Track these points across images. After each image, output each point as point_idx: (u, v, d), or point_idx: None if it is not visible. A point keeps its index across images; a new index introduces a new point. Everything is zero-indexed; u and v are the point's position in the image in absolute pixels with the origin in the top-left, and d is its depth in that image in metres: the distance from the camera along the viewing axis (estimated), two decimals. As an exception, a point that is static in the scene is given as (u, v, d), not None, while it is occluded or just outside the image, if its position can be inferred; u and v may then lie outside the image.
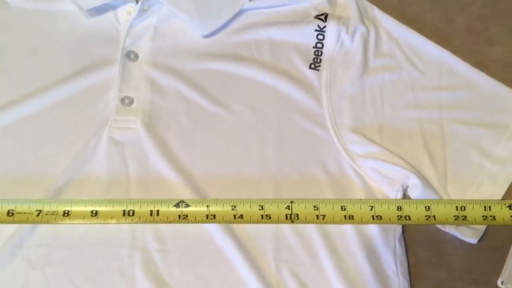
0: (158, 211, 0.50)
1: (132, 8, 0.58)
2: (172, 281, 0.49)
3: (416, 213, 0.50)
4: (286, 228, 0.51)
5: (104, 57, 0.58)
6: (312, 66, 0.58)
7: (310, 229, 0.51)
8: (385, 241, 0.51)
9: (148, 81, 0.57)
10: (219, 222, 0.50)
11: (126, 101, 0.56)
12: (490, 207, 0.50)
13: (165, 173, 0.53)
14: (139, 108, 0.56)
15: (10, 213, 0.49)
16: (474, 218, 0.49)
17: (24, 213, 0.49)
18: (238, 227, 0.51)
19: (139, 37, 0.58)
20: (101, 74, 0.57)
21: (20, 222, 0.49)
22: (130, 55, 0.57)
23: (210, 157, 0.54)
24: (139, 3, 0.57)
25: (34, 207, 0.49)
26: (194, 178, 0.53)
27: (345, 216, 0.50)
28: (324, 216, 0.50)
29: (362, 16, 0.59)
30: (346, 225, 0.51)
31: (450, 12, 0.63)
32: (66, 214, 0.49)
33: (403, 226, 0.53)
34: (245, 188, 0.53)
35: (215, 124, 0.56)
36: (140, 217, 0.50)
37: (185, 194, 0.52)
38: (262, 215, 0.50)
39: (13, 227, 0.50)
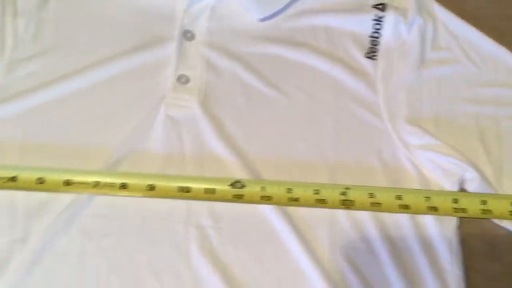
0: (214, 189, 0.50)
1: (189, -13, 0.58)
2: (226, 259, 0.49)
3: (472, 206, 0.50)
4: (341, 214, 0.51)
5: (160, 35, 0.58)
6: (368, 55, 0.58)
7: (365, 217, 0.51)
8: (441, 233, 0.51)
9: (204, 61, 0.57)
10: (274, 204, 0.50)
11: (183, 80, 0.55)
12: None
13: (220, 152, 0.53)
14: (195, 87, 0.55)
15: (67, 183, 0.49)
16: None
17: (82, 183, 0.49)
18: (292, 210, 0.51)
19: (196, 17, 0.58)
20: (157, 51, 0.57)
21: (77, 192, 0.49)
22: (187, 34, 0.57)
23: (265, 139, 0.54)
24: None
25: (91, 178, 0.49)
26: (249, 159, 0.53)
27: (400, 205, 0.50)
28: (379, 204, 0.50)
29: (421, 9, 0.58)
30: (401, 214, 0.51)
31: (508, 10, 0.62)
32: (123, 186, 0.49)
33: (459, 219, 0.52)
34: (299, 172, 0.53)
35: (271, 107, 0.55)
36: (195, 194, 0.49)
37: (240, 174, 0.52)
38: (317, 199, 0.50)
39: (70, 196, 0.50)
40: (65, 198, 0.51)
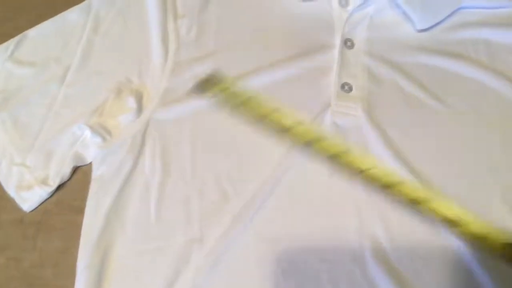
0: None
1: (346, -4, 0.58)
2: (402, 268, 0.49)
3: None
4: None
5: (321, 42, 0.58)
6: (532, 70, 0.57)
7: None
8: None
9: (365, 69, 0.57)
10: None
11: (346, 88, 0.56)
12: None
13: (386, 161, 0.53)
14: (358, 95, 0.55)
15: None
16: None
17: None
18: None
19: (355, 26, 0.58)
20: (319, 59, 0.57)
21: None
22: (347, 43, 0.57)
23: (430, 150, 0.54)
24: None
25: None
26: (415, 169, 0.52)
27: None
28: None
29: None
30: None
31: None
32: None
33: None
34: (468, 187, 0.52)
35: (434, 118, 0.55)
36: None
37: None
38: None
39: (243, 201, 0.51)
40: (238, 203, 0.50)
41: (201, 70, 0.57)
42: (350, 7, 0.59)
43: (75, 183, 0.53)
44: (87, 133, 0.53)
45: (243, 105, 0.53)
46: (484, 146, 0.54)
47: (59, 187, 0.53)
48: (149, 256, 0.49)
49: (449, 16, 0.59)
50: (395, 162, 0.53)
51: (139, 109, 0.54)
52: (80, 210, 0.50)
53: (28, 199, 0.53)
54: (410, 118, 0.55)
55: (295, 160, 0.53)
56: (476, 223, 0.49)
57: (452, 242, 0.50)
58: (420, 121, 0.55)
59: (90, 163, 0.53)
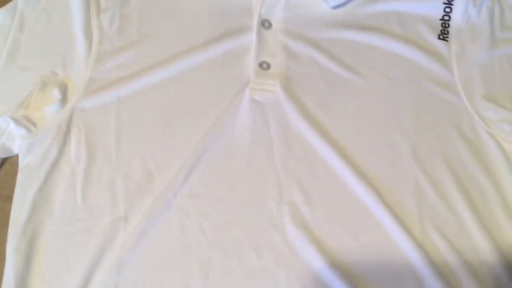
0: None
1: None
2: (321, 233, 0.51)
3: None
4: (428, 188, 0.53)
5: (239, 25, 0.60)
6: (441, 37, 0.60)
7: (451, 189, 0.53)
8: None
9: (283, 47, 0.59)
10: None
11: (264, 66, 0.58)
12: None
13: (306, 132, 0.55)
14: (277, 72, 0.58)
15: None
16: None
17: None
18: (381, 186, 0.53)
19: (272, 7, 0.61)
20: (237, 40, 0.60)
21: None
22: (265, 24, 0.60)
23: (347, 119, 0.56)
24: None
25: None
26: (333, 138, 0.55)
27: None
28: None
29: (487, -8, 0.61)
30: (487, 185, 0.53)
31: None
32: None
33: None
34: (381, 149, 0.54)
35: (350, 89, 0.58)
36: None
37: (325, 152, 0.54)
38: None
39: (166, 179, 0.52)
40: (162, 181, 0.53)
41: (124, 59, 0.59)
42: (264, -11, 0.61)
43: (4, 174, 0.54)
44: (12, 124, 0.54)
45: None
46: (396, 111, 0.57)
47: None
48: (75, 237, 0.51)
49: (360, -9, 0.62)
50: (314, 134, 0.55)
51: (64, 99, 0.57)
52: (9, 198, 0.52)
53: None
54: (327, 91, 0.58)
55: (215, 138, 0.55)
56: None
57: (372, 208, 0.52)
58: (336, 93, 0.58)
59: (16, 156, 0.55)
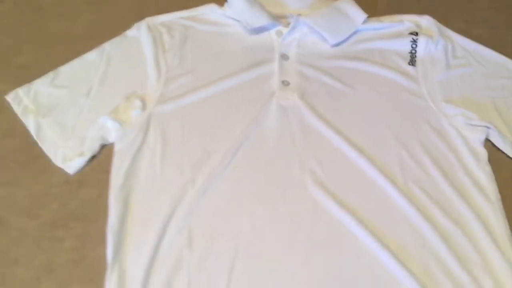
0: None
1: (281, 29, 0.87)
2: (333, 189, 0.72)
3: None
4: (408, 159, 0.75)
5: (265, 58, 0.85)
6: (410, 63, 0.85)
7: (424, 158, 0.75)
8: None
9: (298, 73, 0.84)
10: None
11: (285, 83, 0.82)
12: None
13: (319, 128, 0.78)
14: (295, 88, 0.82)
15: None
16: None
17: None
18: (373, 158, 0.75)
19: (288, 45, 0.86)
20: (264, 68, 0.84)
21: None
22: (284, 57, 0.85)
23: (346, 117, 0.79)
24: (290, 26, 0.86)
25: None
26: (339, 130, 0.78)
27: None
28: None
29: (442, 33, 0.87)
30: (451, 155, 0.75)
31: (501, 32, 0.92)
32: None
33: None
34: (374, 137, 0.77)
35: (347, 98, 0.81)
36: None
37: (335, 140, 0.77)
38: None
39: (221, 153, 0.75)
40: (216, 158, 0.75)
41: (184, 82, 0.83)
42: (283, 36, 0.87)
43: (103, 156, 0.77)
44: (109, 122, 0.77)
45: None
46: (381, 111, 0.80)
47: (92, 158, 0.76)
48: (156, 196, 0.71)
49: (352, 35, 0.88)
50: (323, 127, 0.78)
51: (143, 107, 0.80)
52: (108, 171, 0.73)
53: (71, 167, 0.76)
54: (331, 100, 0.81)
55: (252, 131, 0.77)
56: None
57: (365, 168, 0.74)
58: (337, 101, 0.81)
59: (112, 143, 0.77)
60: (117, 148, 0.76)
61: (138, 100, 0.79)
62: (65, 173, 0.75)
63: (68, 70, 0.84)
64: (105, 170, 0.73)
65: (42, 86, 0.82)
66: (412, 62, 0.85)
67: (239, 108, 0.80)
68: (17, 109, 0.80)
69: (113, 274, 0.65)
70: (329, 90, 0.82)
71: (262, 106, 0.79)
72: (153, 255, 0.66)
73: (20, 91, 0.82)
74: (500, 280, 0.65)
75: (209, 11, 0.91)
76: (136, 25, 0.88)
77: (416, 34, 0.87)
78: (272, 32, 0.88)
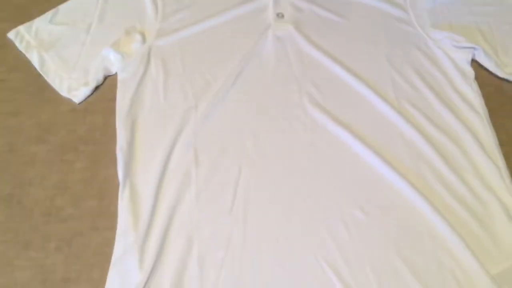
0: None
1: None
2: (329, 108, 0.76)
3: None
4: (399, 79, 0.79)
5: (260, -6, 0.88)
6: (399, -6, 0.89)
7: (415, 79, 0.79)
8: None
9: (291, 5, 0.87)
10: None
11: (280, 15, 0.85)
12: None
13: (313, 54, 0.81)
14: (289, 19, 0.85)
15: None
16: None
17: None
18: (366, 79, 0.79)
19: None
20: (259, 2, 0.87)
21: None
22: (278, -9, 0.88)
23: (338, 42, 0.83)
24: None
25: None
26: (331, 54, 0.81)
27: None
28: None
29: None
30: (438, 74, 0.79)
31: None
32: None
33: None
34: (367, 58, 0.81)
35: (339, 27, 0.85)
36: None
37: (327, 64, 0.80)
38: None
39: (221, 81, 0.78)
40: (217, 85, 0.78)
41: (181, 16, 0.86)
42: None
43: (106, 86, 0.79)
44: (112, 53, 0.80)
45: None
46: (372, 36, 0.84)
47: (96, 88, 0.79)
48: (162, 120, 0.75)
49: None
50: (317, 53, 0.82)
51: (143, 40, 0.82)
52: (112, 99, 0.76)
53: (77, 96, 0.79)
54: (323, 28, 0.85)
55: (251, 59, 0.81)
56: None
57: (359, 88, 0.78)
58: (332, 30, 0.85)
59: (115, 74, 0.80)
60: (120, 77, 0.79)
61: (138, 34, 0.82)
62: (71, 103, 0.78)
63: (67, 8, 0.87)
64: (110, 98, 0.76)
65: (42, 24, 0.84)
66: (401, -8, 0.89)
67: (236, 39, 0.83)
68: (19, 45, 0.82)
69: (126, 189, 0.68)
70: (323, 20, 0.86)
71: (259, 37, 0.83)
72: (162, 171, 0.69)
73: (22, 28, 0.84)
74: (487, 180, 0.69)
75: None
76: (131, -38, 0.90)
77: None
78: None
